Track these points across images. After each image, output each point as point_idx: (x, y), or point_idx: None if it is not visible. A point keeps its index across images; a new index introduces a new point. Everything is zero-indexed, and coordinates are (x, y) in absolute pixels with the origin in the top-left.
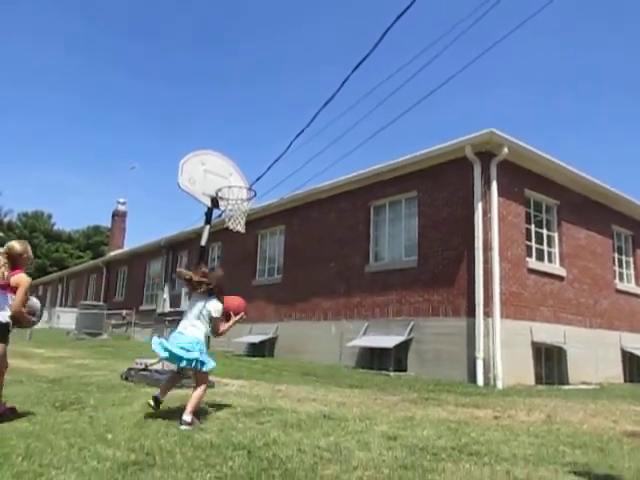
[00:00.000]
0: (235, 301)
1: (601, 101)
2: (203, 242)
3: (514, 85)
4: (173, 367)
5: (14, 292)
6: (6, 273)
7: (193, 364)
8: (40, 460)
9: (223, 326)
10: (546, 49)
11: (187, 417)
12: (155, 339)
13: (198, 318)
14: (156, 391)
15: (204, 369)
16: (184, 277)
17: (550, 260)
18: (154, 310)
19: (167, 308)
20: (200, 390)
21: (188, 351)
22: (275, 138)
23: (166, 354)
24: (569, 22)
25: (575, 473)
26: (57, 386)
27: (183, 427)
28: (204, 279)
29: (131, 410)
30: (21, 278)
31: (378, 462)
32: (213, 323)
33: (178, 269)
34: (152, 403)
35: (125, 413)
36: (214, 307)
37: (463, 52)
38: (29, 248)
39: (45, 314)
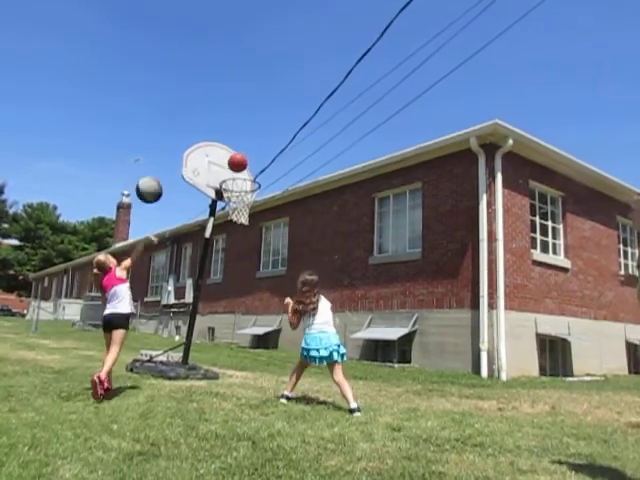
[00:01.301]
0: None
1: (605, 93)
2: (207, 234)
3: (521, 78)
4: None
5: (121, 282)
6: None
7: (343, 358)
8: (46, 450)
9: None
10: (554, 43)
11: (355, 404)
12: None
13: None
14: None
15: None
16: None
17: (555, 252)
18: (159, 302)
19: (172, 300)
20: (344, 379)
21: (339, 349)
22: (280, 130)
23: (325, 354)
24: (573, 17)
25: (579, 464)
26: (63, 377)
27: (358, 414)
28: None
29: (136, 401)
30: (118, 269)
31: (382, 453)
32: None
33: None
34: (285, 402)
35: (130, 404)
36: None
37: (468, 44)
38: (109, 256)
39: (50, 305)
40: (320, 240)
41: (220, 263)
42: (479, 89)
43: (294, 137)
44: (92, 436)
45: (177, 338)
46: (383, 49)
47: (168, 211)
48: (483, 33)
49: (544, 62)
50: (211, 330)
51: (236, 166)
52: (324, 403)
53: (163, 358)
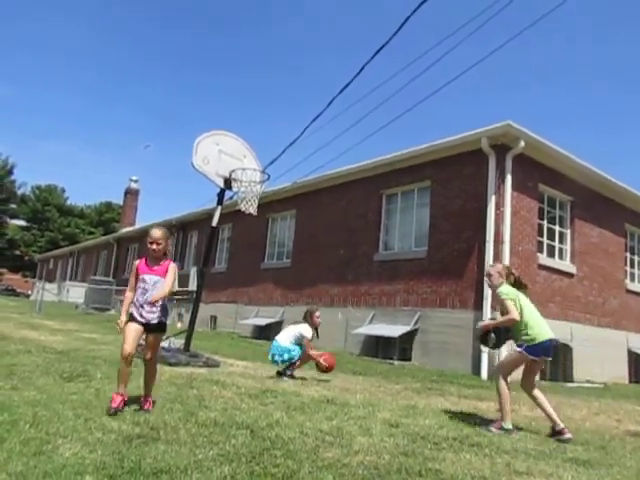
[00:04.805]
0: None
1: (617, 96)
2: (214, 223)
3: (535, 81)
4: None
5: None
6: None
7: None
8: (47, 428)
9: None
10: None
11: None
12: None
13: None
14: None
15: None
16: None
17: (561, 257)
18: None
19: (175, 287)
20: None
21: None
22: (289, 123)
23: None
24: (581, 19)
25: (576, 469)
26: (65, 358)
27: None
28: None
29: (137, 385)
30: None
31: (379, 448)
32: (304, 342)
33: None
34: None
35: (131, 388)
36: (305, 329)
37: (482, 45)
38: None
39: (55, 287)
40: (326, 234)
41: (225, 252)
42: (491, 92)
43: (305, 129)
44: (92, 417)
45: (179, 325)
46: (396, 49)
47: (175, 199)
48: (497, 35)
49: (558, 65)
50: (213, 319)
51: (330, 368)
52: (323, 396)
53: (165, 344)
